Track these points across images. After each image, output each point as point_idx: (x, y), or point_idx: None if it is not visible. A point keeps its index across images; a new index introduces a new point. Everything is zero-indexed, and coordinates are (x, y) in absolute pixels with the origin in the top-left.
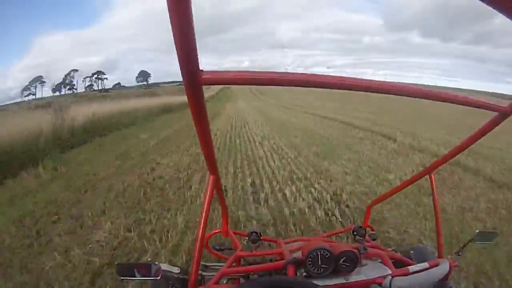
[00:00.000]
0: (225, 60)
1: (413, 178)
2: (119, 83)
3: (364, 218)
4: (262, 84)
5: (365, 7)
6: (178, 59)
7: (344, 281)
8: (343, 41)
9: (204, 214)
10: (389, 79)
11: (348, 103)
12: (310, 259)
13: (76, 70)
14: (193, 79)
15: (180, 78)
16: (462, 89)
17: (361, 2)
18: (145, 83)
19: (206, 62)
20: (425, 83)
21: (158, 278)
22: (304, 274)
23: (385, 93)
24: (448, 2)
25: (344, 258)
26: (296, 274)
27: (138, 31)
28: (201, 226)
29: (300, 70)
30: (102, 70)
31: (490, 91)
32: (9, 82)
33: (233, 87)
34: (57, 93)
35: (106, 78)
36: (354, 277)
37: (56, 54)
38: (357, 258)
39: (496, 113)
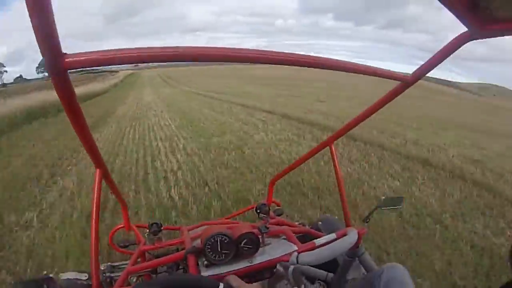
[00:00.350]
0: (136, 44)
1: (312, 150)
2: (20, 76)
3: (268, 194)
4: (133, 63)
5: None
6: (37, 43)
7: (249, 264)
8: (256, 24)
9: (94, 211)
10: None
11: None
12: (209, 247)
13: None
14: (56, 65)
15: None
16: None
17: None
18: (46, 74)
19: (115, 46)
20: None
21: None
22: (206, 262)
23: (300, 66)
24: None
25: (244, 240)
26: (198, 264)
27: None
28: (93, 224)
29: None
30: (2, 62)
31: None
32: None
33: (142, 73)
34: None
35: (6, 71)
36: (258, 258)
37: None
38: (258, 239)
39: (398, 82)
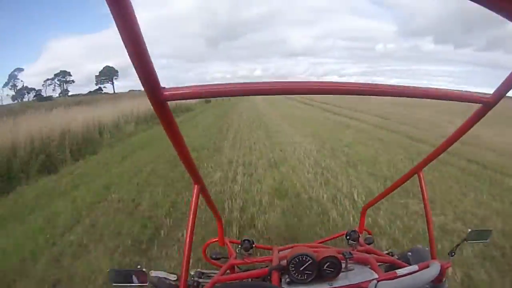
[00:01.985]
0: (237, 67)
1: (402, 178)
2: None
3: (360, 222)
4: (224, 96)
5: (379, 14)
6: (139, 79)
7: (328, 286)
8: (356, 49)
9: (190, 224)
10: None
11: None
12: (293, 265)
13: (22, 69)
14: (155, 97)
15: None
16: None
17: (375, 8)
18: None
19: (216, 70)
20: None
21: (146, 284)
22: (288, 280)
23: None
24: (462, 8)
25: (327, 263)
26: (281, 280)
27: (152, 38)
28: (188, 235)
29: (312, 79)
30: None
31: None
32: (21, 86)
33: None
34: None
35: (73, 81)
36: (338, 282)
37: (69, 58)
38: (340, 264)
39: (480, 105)
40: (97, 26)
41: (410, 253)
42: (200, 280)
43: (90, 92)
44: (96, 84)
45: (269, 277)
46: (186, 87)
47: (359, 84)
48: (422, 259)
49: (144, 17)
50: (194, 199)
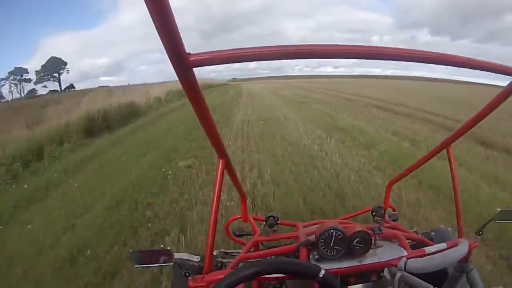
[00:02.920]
0: None
1: (430, 153)
2: (71, 85)
3: (385, 198)
4: (253, 60)
5: (375, 6)
6: (163, 45)
7: (358, 263)
8: (352, 40)
9: (215, 199)
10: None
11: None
12: (322, 241)
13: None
14: (181, 63)
15: None
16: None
17: (372, 0)
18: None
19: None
20: None
21: (171, 263)
22: (316, 256)
23: (386, 59)
24: (459, 1)
25: (357, 239)
26: (309, 257)
27: (144, 33)
28: (213, 212)
29: (307, 70)
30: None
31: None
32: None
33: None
34: None
35: (29, 79)
36: (368, 259)
37: (63, 55)
38: (371, 239)
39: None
40: (90, 23)
41: (433, 233)
42: (224, 260)
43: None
44: (36, 83)
45: (297, 254)
46: (214, 51)
47: (386, 48)
48: (446, 238)
49: (133, 12)
50: (219, 174)
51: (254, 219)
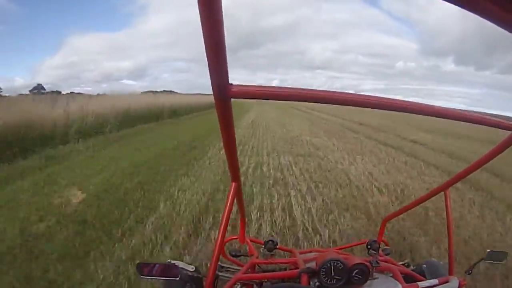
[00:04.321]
0: (255, 77)
1: (427, 194)
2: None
3: (379, 232)
4: (287, 100)
5: (401, 31)
6: (209, 72)
7: None
8: (376, 65)
9: (224, 220)
10: None
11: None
12: (324, 270)
13: None
14: (222, 92)
15: None
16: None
17: (397, 25)
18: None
19: (235, 78)
20: None
21: (177, 278)
22: (317, 284)
23: (401, 111)
24: (485, 30)
25: (356, 270)
26: (309, 284)
27: (170, 40)
28: (221, 232)
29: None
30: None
31: None
32: (40, 78)
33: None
34: None
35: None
36: None
37: (87, 55)
38: (369, 271)
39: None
40: (117, 26)
41: (425, 266)
42: (220, 273)
43: None
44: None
45: (298, 280)
46: (252, 86)
47: (378, 99)
48: (437, 272)
49: (162, 19)
50: (230, 196)
51: (251, 241)
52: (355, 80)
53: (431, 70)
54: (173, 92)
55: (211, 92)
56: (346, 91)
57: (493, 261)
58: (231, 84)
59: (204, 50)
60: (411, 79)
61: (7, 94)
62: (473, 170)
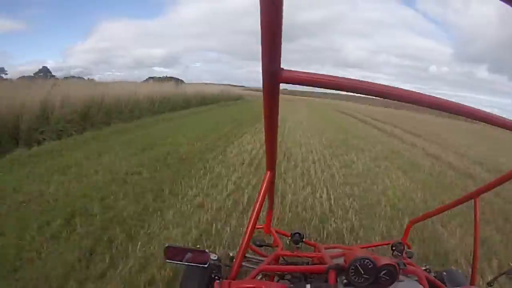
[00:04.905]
0: None
1: (456, 201)
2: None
3: (404, 234)
4: (341, 90)
5: (436, 33)
6: (262, 56)
7: None
8: (408, 67)
9: (256, 210)
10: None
11: None
12: (353, 268)
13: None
14: (273, 76)
15: None
16: None
17: (432, 27)
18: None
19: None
20: None
21: (206, 265)
22: (345, 281)
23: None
24: None
25: (385, 271)
26: (337, 281)
27: (203, 30)
28: (252, 222)
29: None
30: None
31: None
32: (72, 61)
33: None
34: None
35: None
36: None
37: (119, 41)
38: (397, 272)
39: None
40: (148, 14)
41: (445, 273)
42: (242, 263)
43: None
44: None
45: (326, 275)
46: (306, 72)
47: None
48: (456, 280)
49: (195, 9)
50: (264, 185)
51: (277, 232)
52: (387, 81)
53: (464, 76)
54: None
55: (240, 84)
56: (402, 88)
57: None
58: (283, 68)
59: (260, 32)
60: (443, 84)
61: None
62: (506, 180)
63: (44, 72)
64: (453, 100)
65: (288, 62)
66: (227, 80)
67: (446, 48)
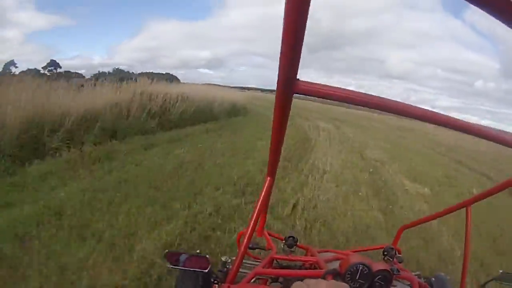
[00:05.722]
0: (332, 79)
1: (448, 209)
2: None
3: (395, 239)
4: (352, 103)
5: (483, 47)
6: (280, 63)
7: None
8: (454, 81)
9: (255, 215)
10: None
11: None
12: (350, 273)
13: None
14: (288, 86)
15: None
16: None
17: (480, 40)
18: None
19: (312, 78)
20: None
21: (206, 271)
22: None
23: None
24: None
25: (379, 276)
26: None
27: (250, 34)
28: (251, 226)
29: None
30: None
31: None
32: (117, 58)
33: None
34: None
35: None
36: None
37: (166, 41)
38: (391, 278)
39: None
40: (196, 16)
41: (434, 279)
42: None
43: None
44: None
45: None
46: (322, 85)
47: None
48: (445, 286)
49: (242, 13)
50: (264, 191)
51: (270, 235)
52: (431, 94)
53: (510, 93)
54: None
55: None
56: (419, 107)
57: (505, 282)
58: (298, 79)
59: (281, 39)
60: (488, 100)
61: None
62: (500, 190)
63: (54, 66)
64: (496, 116)
65: (332, 69)
66: (272, 85)
67: (493, 62)
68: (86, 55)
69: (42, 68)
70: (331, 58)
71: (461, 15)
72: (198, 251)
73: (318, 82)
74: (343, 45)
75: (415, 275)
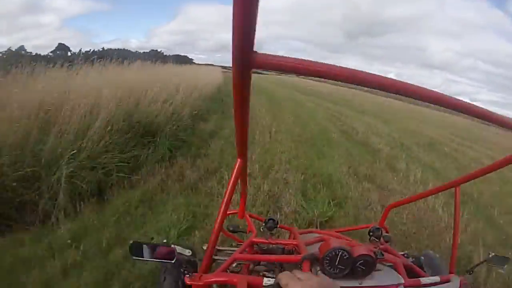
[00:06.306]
0: (372, 67)
1: (437, 188)
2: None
3: (381, 218)
4: (318, 76)
5: None
6: (233, 36)
7: (358, 285)
8: (495, 75)
9: (226, 198)
10: None
11: None
12: (328, 258)
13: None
14: (244, 60)
15: None
16: None
17: None
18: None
19: (351, 65)
20: None
21: (172, 261)
22: (319, 271)
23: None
24: None
25: (361, 261)
26: (311, 271)
27: (288, 19)
28: (222, 210)
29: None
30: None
31: None
32: (155, 41)
33: None
34: None
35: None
36: (367, 282)
37: (204, 24)
38: (374, 263)
39: None
40: None
41: (423, 258)
42: (216, 257)
43: None
44: None
45: (300, 266)
46: (282, 57)
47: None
48: (435, 266)
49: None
50: (235, 173)
51: (251, 217)
52: (471, 87)
53: None
54: None
55: None
56: (379, 75)
57: (495, 265)
58: (256, 52)
59: (232, 8)
60: None
61: None
62: (487, 172)
63: (62, 50)
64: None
65: (371, 57)
66: None
67: None
68: (123, 38)
69: (50, 52)
70: (370, 45)
71: (504, 5)
72: (164, 241)
73: (279, 55)
74: (384, 32)
75: (402, 254)
